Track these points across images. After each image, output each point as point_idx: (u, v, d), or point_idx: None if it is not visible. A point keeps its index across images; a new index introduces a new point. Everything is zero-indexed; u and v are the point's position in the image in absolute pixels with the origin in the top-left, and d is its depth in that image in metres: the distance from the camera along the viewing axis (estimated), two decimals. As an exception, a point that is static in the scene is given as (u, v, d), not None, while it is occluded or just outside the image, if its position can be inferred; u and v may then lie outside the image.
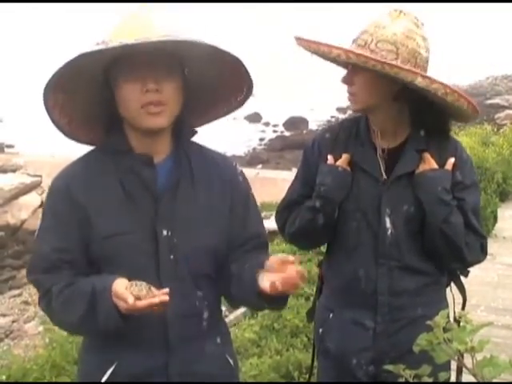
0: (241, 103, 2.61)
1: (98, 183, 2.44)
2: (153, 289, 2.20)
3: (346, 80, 2.96)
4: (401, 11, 2.90)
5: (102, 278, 2.34)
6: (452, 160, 2.98)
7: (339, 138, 3.15)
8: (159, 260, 2.40)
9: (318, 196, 3.07)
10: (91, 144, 2.59)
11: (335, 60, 2.99)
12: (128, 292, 2.16)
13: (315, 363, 3.49)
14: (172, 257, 2.42)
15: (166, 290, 2.18)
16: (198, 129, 2.64)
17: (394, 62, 2.75)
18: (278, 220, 3.33)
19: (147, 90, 2.29)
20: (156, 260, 2.40)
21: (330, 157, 3.08)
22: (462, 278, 3.27)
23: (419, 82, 2.74)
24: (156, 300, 2.15)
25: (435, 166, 2.95)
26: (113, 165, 2.46)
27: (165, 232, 2.42)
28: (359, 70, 2.85)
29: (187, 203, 2.48)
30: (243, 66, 2.40)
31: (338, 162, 3.05)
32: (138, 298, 2.15)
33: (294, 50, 3.10)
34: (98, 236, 2.40)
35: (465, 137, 14.64)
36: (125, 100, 2.34)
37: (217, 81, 2.53)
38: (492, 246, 9.26)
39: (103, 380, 2.45)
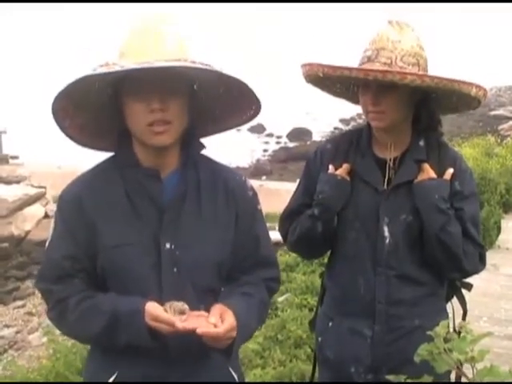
0: (252, 117, 2.62)
1: (106, 195, 2.47)
2: (186, 306, 2.26)
3: (373, 101, 2.94)
4: (396, 22, 2.95)
5: (126, 299, 2.37)
6: (451, 170, 3.02)
7: (340, 148, 3.18)
8: (161, 272, 2.41)
9: (316, 204, 3.11)
10: (105, 151, 2.63)
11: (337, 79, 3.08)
12: (171, 315, 2.24)
13: (316, 372, 3.49)
14: (175, 270, 2.43)
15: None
16: (202, 140, 2.65)
17: (450, 78, 2.82)
18: (280, 229, 3.36)
19: (152, 110, 2.31)
20: (158, 272, 2.41)
21: (330, 166, 3.11)
22: (465, 291, 3.28)
23: (474, 92, 2.86)
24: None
25: (433, 175, 2.99)
26: (120, 178, 2.49)
27: (168, 245, 2.43)
28: (387, 89, 2.87)
29: (192, 217, 2.49)
30: (250, 89, 2.41)
31: (338, 172, 3.08)
32: (181, 314, 2.25)
33: (298, 60, 3.11)
34: (103, 247, 2.42)
35: (468, 148, 14.68)
36: (131, 118, 2.38)
37: (225, 97, 2.54)
38: (495, 257, 9.37)
39: None
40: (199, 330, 2.21)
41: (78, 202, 2.45)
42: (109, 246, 2.42)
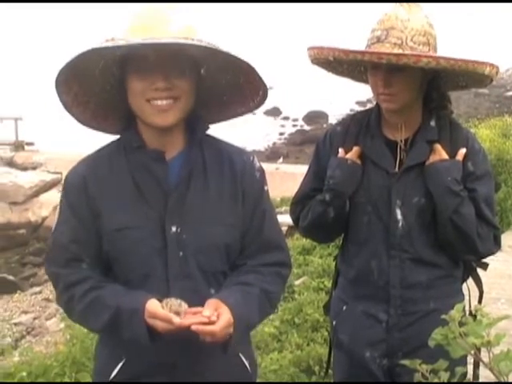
0: (257, 105, 2.57)
1: (111, 178, 2.44)
2: (183, 304, 2.21)
3: (384, 82, 2.88)
4: (405, 2, 2.89)
5: (129, 296, 2.34)
6: (463, 151, 2.96)
7: (350, 130, 3.14)
8: (167, 256, 2.38)
9: (327, 189, 3.06)
10: (106, 132, 2.60)
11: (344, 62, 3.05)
12: (167, 312, 2.19)
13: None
14: (181, 253, 2.39)
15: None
16: (217, 124, 2.62)
17: (463, 58, 2.76)
18: (291, 214, 3.33)
19: (156, 89, 2.28)
20: (164, 256, 2.38)
21: (340, 150, 3.07)
22: (482, 271, 3.24)
23: (488, 71, 2.80)
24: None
25: (445, 156, 2.94)
26: (125, 160, 2.45)
27: (174, 228, 2.39)
28: (398, 70, 2.81)
29: (198, 199, 2.44)
30: (256, 72, 2.37)
31: (348, 155, 3.03)
32: (177, 314, 2.18)
33: (313, 43, 3.06)
34: (108, 230, 2.40)
35: (485, 129, 14.56)
36: (133, 96, 2.34)
37: (233, 81, 2.50)
38: (513, 239, 9.29)
39: (111, 377, 2.45)
40: (194, 327, 2.16)
41: (82, 184, 2.43)
42: (113, 230, 2.39)
